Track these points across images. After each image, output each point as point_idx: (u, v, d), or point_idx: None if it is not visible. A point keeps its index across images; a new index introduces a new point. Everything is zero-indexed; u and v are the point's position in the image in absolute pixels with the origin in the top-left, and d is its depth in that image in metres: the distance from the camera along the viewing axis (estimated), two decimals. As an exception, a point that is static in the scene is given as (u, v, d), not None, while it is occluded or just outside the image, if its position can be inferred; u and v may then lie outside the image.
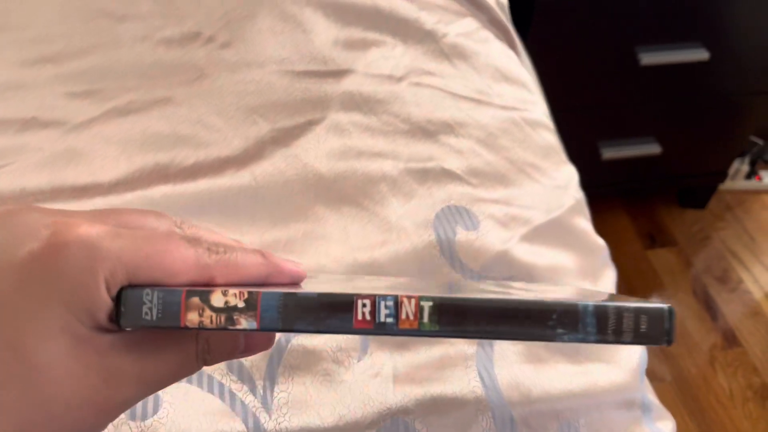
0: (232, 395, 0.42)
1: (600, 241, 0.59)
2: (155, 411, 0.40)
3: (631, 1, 1.05)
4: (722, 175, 1.47)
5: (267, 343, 0.28)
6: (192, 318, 0.22)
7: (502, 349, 0.47)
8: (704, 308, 1.39)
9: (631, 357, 0.51)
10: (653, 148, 1.30)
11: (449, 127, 0.59)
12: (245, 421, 0.41)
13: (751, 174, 1.57)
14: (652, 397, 0.51)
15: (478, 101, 0.62)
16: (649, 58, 1.10)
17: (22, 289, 0.21)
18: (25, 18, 0.64)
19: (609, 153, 1.29)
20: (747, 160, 1.54)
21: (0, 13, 0.64)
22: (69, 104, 0.58)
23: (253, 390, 0.42)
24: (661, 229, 1.54)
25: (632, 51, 1.11)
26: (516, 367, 0.46)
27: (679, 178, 1.46)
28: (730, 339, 1.34)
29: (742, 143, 1.40)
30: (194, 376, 0.42)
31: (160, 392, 0.32)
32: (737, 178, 1.57)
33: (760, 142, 1.46)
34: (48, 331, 0.21)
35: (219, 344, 0.25)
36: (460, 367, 0.45)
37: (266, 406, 0.42)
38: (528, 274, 0.51)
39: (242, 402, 0.42)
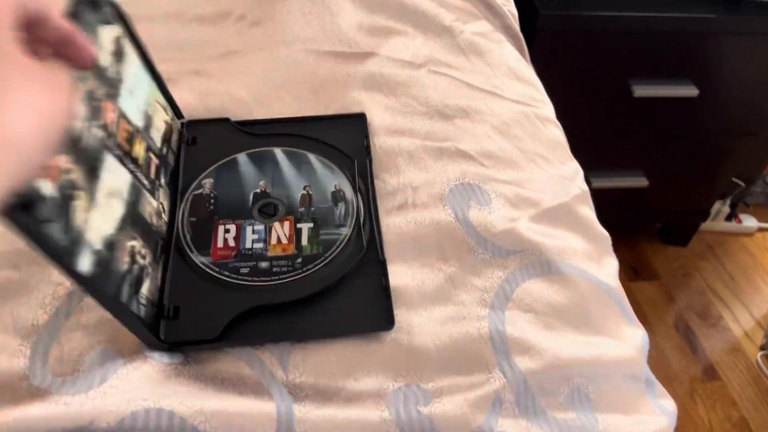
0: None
1: (603, 231, 0.61)
2: None
3: (626, 36, 1.11)
4: (704, 215, 1.51)
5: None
6: None
7: (513, 315, 0.48)
8: (685, 341, 1.41)
9: (636, 336, 0.53)
10: (641, 181, 1.35)
11: (465, 113, 0.61)
12: None
13: (732, 216, 1.62)
14: (653, 377, 0.53)
15: (493, 93, 0.64)
16: (642, 90, 1.15)
17: None
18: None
19: (598, 182, 1.33)
20: (728, 202, 1.59)
21: None
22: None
23: None
24: (644, 263, 1.57)
25: (626, 83, 1.16)
26: (528, 331, 0.47)
27: (662, 214, 1.50)
28: (710, 373, 1.36)
29: (724, 184, 1.45)
30: None
31: None
32: (718, 219, 1.62)
33: (742, 184, 1.51)
34: None
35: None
36: (472, 328, 0.46)
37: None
38: (537, 250, 0.53)
39: None
